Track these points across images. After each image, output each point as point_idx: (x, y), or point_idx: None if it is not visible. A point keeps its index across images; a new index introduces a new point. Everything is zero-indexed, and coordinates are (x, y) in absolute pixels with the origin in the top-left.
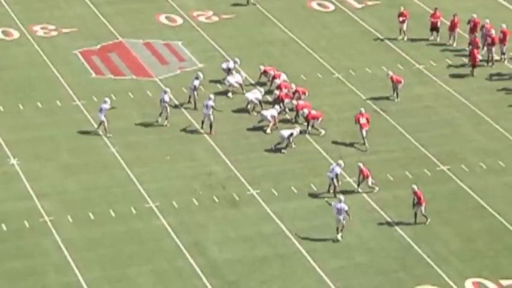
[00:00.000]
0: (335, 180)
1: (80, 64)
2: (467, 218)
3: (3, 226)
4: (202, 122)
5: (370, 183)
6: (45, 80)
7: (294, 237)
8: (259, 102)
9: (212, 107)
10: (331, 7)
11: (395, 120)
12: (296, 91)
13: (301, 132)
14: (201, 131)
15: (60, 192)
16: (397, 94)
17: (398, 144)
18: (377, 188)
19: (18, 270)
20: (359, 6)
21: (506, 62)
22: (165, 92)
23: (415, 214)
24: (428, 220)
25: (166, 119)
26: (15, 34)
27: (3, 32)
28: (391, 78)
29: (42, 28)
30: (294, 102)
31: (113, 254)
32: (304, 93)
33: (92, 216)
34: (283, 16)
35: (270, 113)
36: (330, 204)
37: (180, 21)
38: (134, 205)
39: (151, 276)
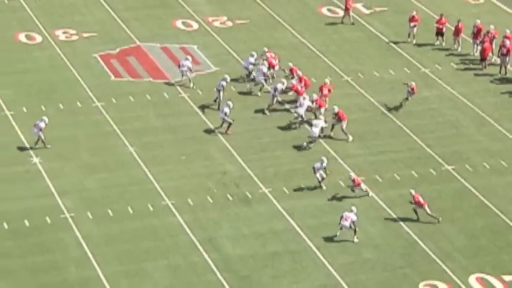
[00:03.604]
0: (318, 174)
1: (99, 67)
2: (471, 216)
3: (26, 222)
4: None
5: (364, 189)
6: (66, 82)
7: (302, 233)
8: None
9: (225, 113)
10: (341, 13)
11: (402, 122)
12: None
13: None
14: (216, 131)
15: (81, 190)
16: (406, 99)
17: (404, 144)
18: (370, 193)
19: (40, 265)
20: (367, 12)
21: (509, 66)
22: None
23: (415, 211)
24: (440, 219)
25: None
26: (38, 38)
27: (27, 36)
28: (412, 88)
29: (63, 32)
30: (315, 96)
31: (130, 249)
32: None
33: (110, 213)
34: (294, 21)
35: (318, 128)
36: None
37: (195, 26)
38: (151, 202)
39: (167, 270)
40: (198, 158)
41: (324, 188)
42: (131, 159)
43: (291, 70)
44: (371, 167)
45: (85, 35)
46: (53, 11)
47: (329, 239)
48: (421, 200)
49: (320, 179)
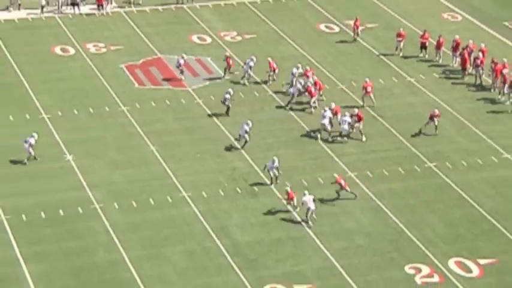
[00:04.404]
0: (272, 173)
1: (125, 76)
2: (450, 208)
3: (61, 212)
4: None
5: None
6: (96, 89)
7: (304, 223)
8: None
9: (246, 131)
10: (336, 29)
11: (390, 124)
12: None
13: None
14: (236, 143)
15: (108, 183)
16: (435, 127)
17: (392, 144)
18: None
19: (72, 249)
20: (360, 28)
21: (484, 75)
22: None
23: (337, 191)
24: (357, 195)
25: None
26: (71, 51)
27: (62, 49)
28: (436, 114)
29: (94, 46)
30: (333, 105)
31: (151, 236)
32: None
33: (134, 204)
34: (295, 36)
35: (327, 119)
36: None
37: (209, 40)
38: (170, 195)
39: (184, 254)
40: (211, 156)
41: (277, 183)
42: (152, 157)
43: (306, 73)
44: (363, 164)
45: (112, 48)
46: (85, 27)
47: (326, 227)
48: (342, 182)
49: (273, 176)
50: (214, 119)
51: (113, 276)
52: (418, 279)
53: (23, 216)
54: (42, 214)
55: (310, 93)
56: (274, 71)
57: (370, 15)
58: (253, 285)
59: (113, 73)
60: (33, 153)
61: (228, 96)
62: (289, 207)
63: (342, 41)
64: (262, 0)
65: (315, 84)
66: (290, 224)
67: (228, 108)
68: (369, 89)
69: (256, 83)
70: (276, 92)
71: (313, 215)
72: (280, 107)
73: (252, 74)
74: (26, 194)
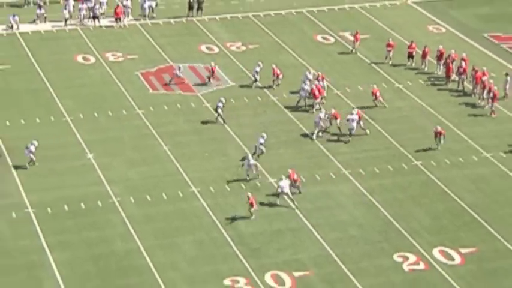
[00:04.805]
0: (248, 169)
1: (140, 82)
2: (434, 202)
3: (82, 205)
4: (255, 152)
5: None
6: (114, 94)
7: (301, 214)
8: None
9: (261, 143)
10: (332, 40)
11: (381, 126)
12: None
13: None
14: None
15: (125, 179)
16: (439, 141)
17: (382, 144)
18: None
19: (93, 239)
20: (358, 42)
21: (465, 82)
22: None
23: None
24: (301, 190)
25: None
26: (92, 59)
27: (83, 58)
28: (440, 132)
29: (112, 55)
30: (333, 110)
31: (164, 227)
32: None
33: (148, 198)
34: (295, 46)
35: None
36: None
37: (216, 50)
38: (181, 190)
39: (193, 244)
40: (218, 155)
41: (259, 184)
42: (165, 156)
43: (317, 78)
44: (356, 162)
45: (129, 56)
46: (104, 38)
47: (322, 220)
48: (295, 176)
49: (259, 152)
50: (221, 121)
51: (129, 263)
52: (406, 267)
53: (48, 209)
54: (66, 207)
55: (314, 95)
56: (277, 76)
57: (363, 27)
58: (256, 272)
59: (129, 79)
60: (34, 158)
61: (220, 104)
62: (252, 210)
63: (336, 51)
64: (265, 14)
65: (318, 89)
66: (289, 217)
67: (219, 115)
68: (378, 93)
69: (260, 88)
70: (275, 96)
71: (290, 196)
72: (280, 110)
73: (258, 78)
74: (50, 189)
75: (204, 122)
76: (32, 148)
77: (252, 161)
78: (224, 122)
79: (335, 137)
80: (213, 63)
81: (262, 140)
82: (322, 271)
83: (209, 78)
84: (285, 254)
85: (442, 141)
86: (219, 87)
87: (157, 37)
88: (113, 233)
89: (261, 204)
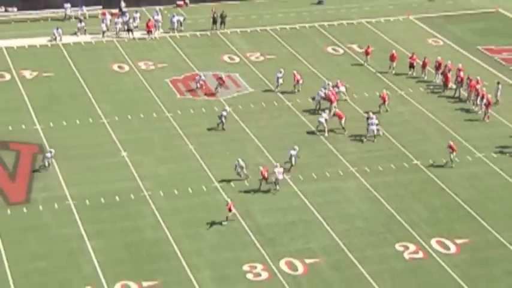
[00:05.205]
0: (240, 171)
1: (169, 88)
2: (432, 197)
3: (117, 198)
4: (291, 166)
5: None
6: (145, 99)
7: (312, 207)
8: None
9: (292, 155)
10: (341, 51)
11: (384, 129)
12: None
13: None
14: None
15: (155, 175)
16: (450, 160)
17: (386, 145)
18: (278, 188)
19: (126, 228)
20: (360, 50)
21: (461, 90)
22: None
23: (260, 180)
24: (278, 188)
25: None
26: (126, 68)
27: (118, 66)
28: (451, 146)
29: (144, 64)
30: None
31: (189, 218)
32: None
33: (176, 192)
34: (307, 57)
35: (323, 119)
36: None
37: (237, 59)
38: (204, 185)
39: (216, 233)
40: (238, 154)
41: (247, 184)
42: (191, 154)
43: (337, 85)
44: (362, 161)
45: (159, 65)
46: (137, 49)
47: (331, 212)
48: (266, 174)
49: (241, 175)
50: (241, 123)
51: (158, 250)
52: (406, 255)
53: (87, 201)
54: (102, 200)
55: (330, 100)
56: (298, 82)
57: (368, 40)
58: (272, 259)
59: (159, 86)
60: (47, 164)
61: (224, 113)
62: (228, 215)
63: (345, 61)
64: (281, 28)
65: (333, 95)
66: (302, 210)
67: (222, 123)
68: (386, 98)
69: (281, 93)
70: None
71: (278, 181)
72: (294, 114)
73: (281, 82)
74: (89, 184)
75: (226, 125)
76: (48, 155)
77: (241, 163)
78: (223, 129)
79: (359, 138)
80: (223, 74)
81: (293, 152)
82: (331, 259)
83: (218, 87)
84: (297, 243)
85: (453, 158)
86: (239, 93)
87: (184, 48)
88: (144, 223)
89: (275, 199)
